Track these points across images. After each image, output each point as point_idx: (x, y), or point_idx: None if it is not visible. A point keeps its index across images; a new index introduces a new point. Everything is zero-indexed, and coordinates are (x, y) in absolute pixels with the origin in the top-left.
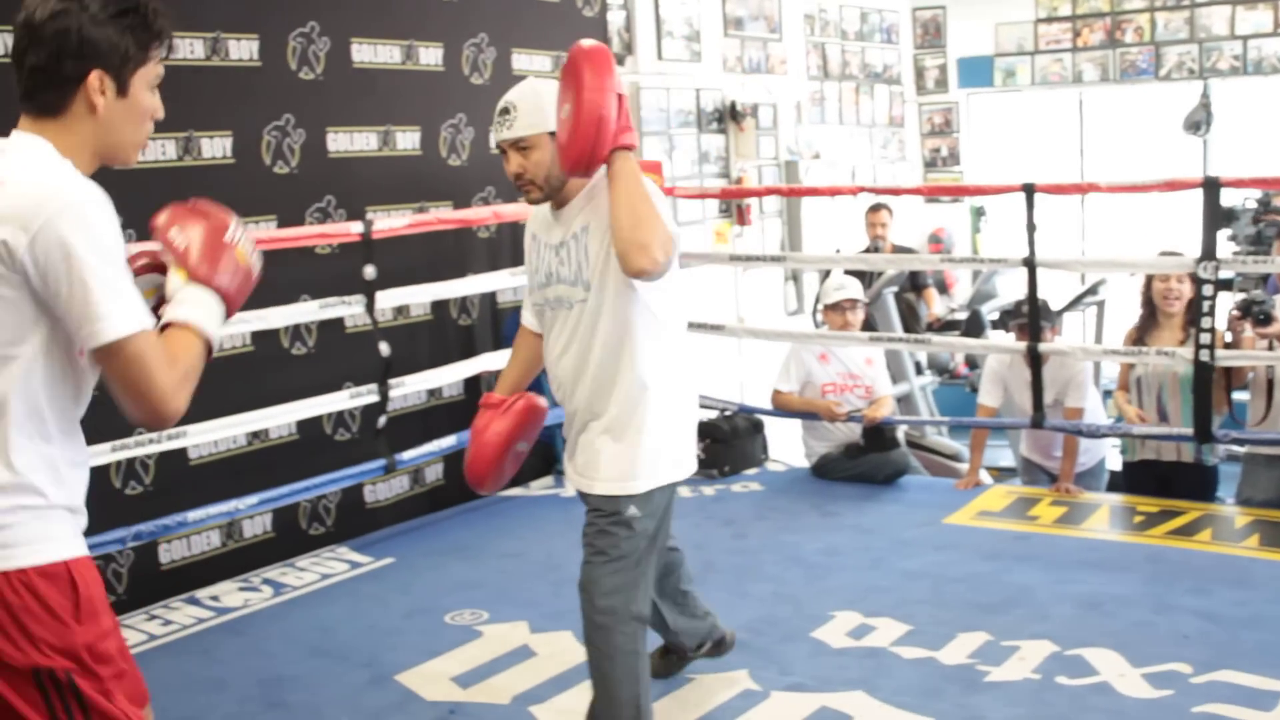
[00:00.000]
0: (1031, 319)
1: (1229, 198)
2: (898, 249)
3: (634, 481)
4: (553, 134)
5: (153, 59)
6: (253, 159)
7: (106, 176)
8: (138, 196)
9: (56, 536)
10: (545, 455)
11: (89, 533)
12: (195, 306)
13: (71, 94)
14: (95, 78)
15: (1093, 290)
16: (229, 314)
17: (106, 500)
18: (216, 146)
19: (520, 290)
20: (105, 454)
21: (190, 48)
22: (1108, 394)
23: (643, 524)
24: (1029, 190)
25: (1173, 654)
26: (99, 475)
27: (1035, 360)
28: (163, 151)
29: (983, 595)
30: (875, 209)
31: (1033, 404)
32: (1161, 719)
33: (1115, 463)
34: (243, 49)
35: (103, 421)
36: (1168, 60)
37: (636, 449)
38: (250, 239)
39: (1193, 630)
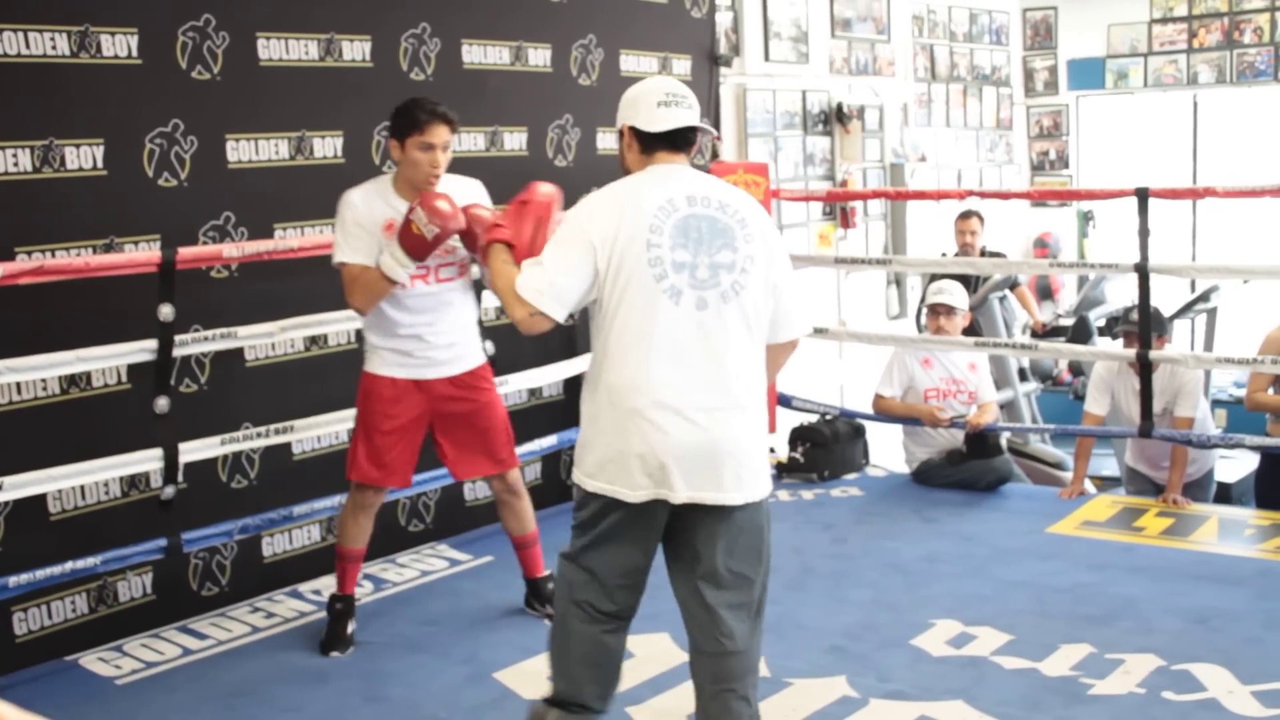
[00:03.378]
0: (1143, 326)
1: None
2: (988, 255)
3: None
4: (628, 129)
5: (415, 135)
6: (363, 159)
7: (234, 176)
8: (254, 193)
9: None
10: None
11: (197, 524)
12: (384, 256)
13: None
14: (391, 143)
15: (1204, 297)
16: (416, 257)
17: (213, 494)
18: (328, 146)
19: None
20: (214, 448)
21: (304, 49)
22: (1216, 404)
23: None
24: (1143, 195)
25: None
26: (206, 469)
27: (1146, 368)
28: (276, 151)
29: (1086, 606)
30: (965, 216)
31: (1141, 413)
32: None
33: (1224, 474)
34: (355, 50)
35: (213, 417)
36: None
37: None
38: (425, 216)
39: None
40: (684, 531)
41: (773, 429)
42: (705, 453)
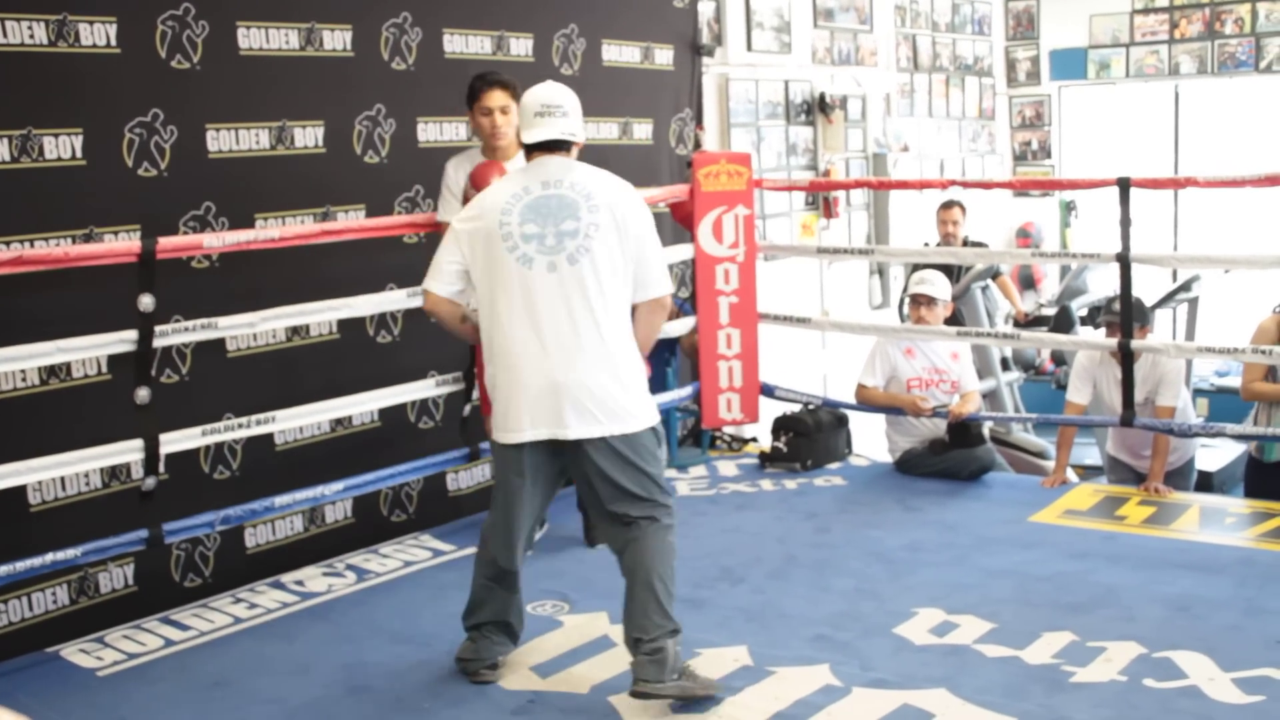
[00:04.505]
0: (1124, 315)
1: None
2: (970, 245)
3: None
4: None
5: (475, 103)
6: (344, 148)
7: (215, 166)
8: (234, 183)
9: None
10: None
11: (179, 515)
12: None
13: None
14: (468, 115)
15: (1185, 287)
16: None
17: (195, 484)
18: (309, 136)
19: None
20: (195, 439)
21: (285, 38)
22: (1197, 393)
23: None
24: (1124, 185)
25: (1264, 659)
26: (188, 460)
27: (1127, 357)
28: (256, 141)
29: (1068, 595)
30: (948, 206)
31: (1123, 402)
32: None
33: (1205, 463)
34: (336, 39)
35: (194, 408)
36: (1269, 52)
37: None
38: (470, 182)
39: None
40: (572, 465)
41: (756, 419)
42: (554, 395)
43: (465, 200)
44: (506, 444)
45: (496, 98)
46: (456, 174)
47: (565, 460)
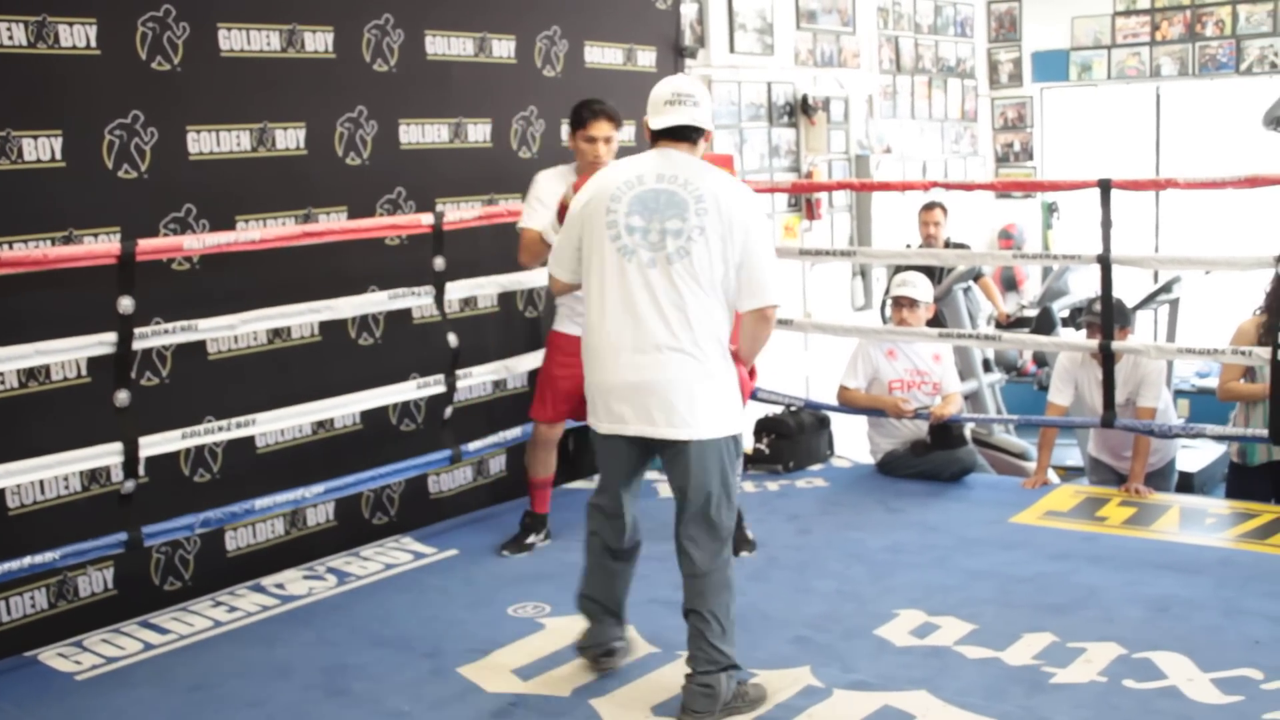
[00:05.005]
0: (1105, 317)
1: None
2: (952, 246)
3: None
4: (645, 123)
5: (581, 130)
6: (325, 150)
7: (195, 168)
8: (214, 185)
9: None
10: None
11: (159, 518)
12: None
13: None
14: (567, 134)
15: (1166, 288)
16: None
17: (175, 487)
18: (290, 138)
19: None
20: (175, 441)
21: (267, 39)
22: (1178, 394)
23: None
24: (1105, 186)
25: (1243, 659)
26: (169, 462)
27: (1108, 359)
28: (237, 143)
29: (1049, 596)
30: (929, 207)
31: (1104, 403)
32: None
33: (1186, 464)
34: (318, 41)
35: (175, 411)
36: (1249, 54)
37: None
38: (573, 192)
39: (1264, 635)
40: (664, 459)
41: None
42: (644, 391)
43: (562, 211)
44: (601, 433)
45: (603, 128)
46: (549, 185)
47: (660, 457)
